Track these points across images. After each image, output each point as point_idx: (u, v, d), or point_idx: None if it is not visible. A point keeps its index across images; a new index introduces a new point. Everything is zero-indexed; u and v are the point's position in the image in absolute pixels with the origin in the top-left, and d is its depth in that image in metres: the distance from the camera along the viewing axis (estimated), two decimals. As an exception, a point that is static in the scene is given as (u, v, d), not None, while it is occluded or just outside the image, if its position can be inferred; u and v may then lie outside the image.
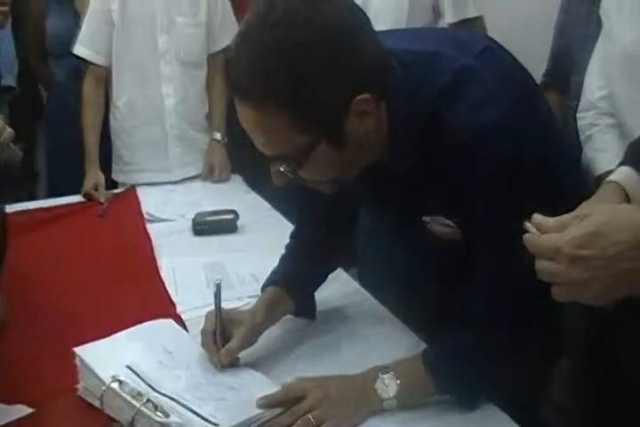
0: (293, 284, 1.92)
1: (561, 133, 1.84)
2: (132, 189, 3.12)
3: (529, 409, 1.84)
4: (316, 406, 1.59)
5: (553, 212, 1.38)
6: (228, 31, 3.27)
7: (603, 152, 2.14)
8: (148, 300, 2.11)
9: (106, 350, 1.71)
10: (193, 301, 2.10)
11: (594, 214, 1.13)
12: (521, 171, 1.51)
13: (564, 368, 2.05)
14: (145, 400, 1.54)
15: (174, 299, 2.14)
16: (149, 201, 2.98)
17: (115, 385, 1.57)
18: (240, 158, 3.28)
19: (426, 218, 1.68)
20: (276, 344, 1.90)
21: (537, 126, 1.56)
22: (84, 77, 3.25)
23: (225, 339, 1.75)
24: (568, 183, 1.69)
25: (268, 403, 1.60)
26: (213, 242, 2.60)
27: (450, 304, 1.81)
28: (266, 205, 2.95)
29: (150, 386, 1.60)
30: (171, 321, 1.88)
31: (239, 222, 2.71)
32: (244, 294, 2.15)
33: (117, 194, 3.08)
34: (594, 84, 2.26)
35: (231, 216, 2.72)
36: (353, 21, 1.45)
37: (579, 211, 1.18)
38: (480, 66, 1.52)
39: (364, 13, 1.49)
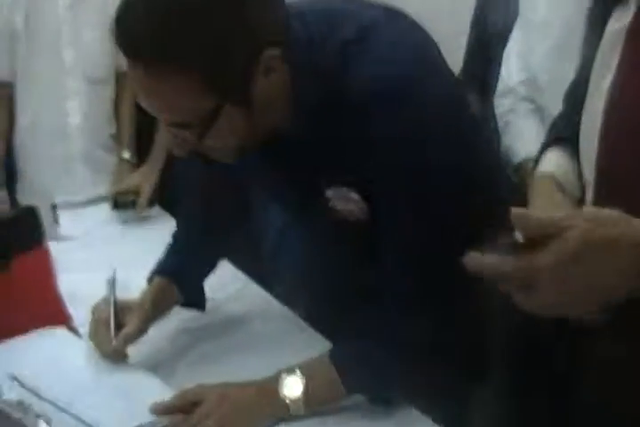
0: (179, 273, 1.87)
1: (477, 120, 1.76)
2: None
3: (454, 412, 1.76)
4: (212, 413, 1.52)
5: (464, 189, 1.43)
6: None
7: (521, 139, 2.08)
8: (41, 311, 1.99)
9: None
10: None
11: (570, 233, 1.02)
12: (432, 133, 1.46)
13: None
14: (25, 411, 1.46)
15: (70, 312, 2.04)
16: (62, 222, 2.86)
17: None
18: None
19: (329, 192, 1.59)
20: (171, 347, 1.87)
21: (449, 93, 1.53)
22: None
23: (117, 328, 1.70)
24: (485, 167, 1.66)
25: (161, 409, 1.53)
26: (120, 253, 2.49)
27: (356, 297, 1.72)
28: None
29: (35, 393, 1.50)
30: (61, 329, 1.77)
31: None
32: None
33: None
34: (512, 69, 2.26)
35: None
36: None
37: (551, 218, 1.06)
38: (385, 22, 1.49)
39: None
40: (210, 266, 1.98)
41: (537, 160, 1.53)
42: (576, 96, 1.47)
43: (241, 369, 1.69)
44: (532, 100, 2.22)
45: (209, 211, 1.94)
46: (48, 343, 1.72)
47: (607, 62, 1.33)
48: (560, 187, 1.42)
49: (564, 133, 1.49)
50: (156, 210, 3.00)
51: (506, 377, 2.00)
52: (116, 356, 1.69)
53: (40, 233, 1.87)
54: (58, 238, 2.67)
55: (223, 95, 1.38)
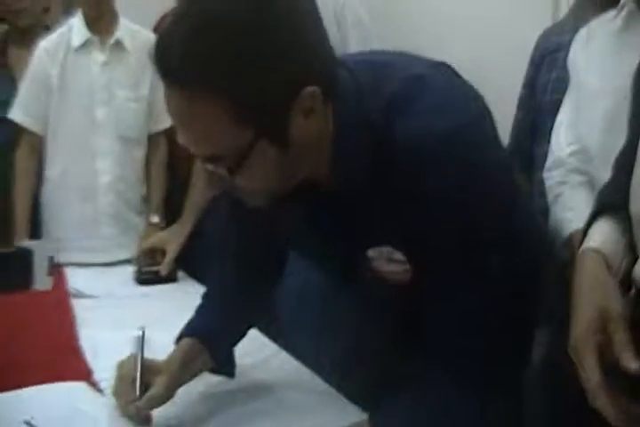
0: (210, 336, 1.77)
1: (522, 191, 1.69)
2: (58, 267, 2.91)
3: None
4: None
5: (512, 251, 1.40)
6: None
7: (573, 210, 2.00)
8: (62, 366, 1.93)
9: (5, 403, 1.56)
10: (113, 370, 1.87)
11: None
12: (483, 190, 1.38)
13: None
14: None
15: (92, 367, 1.96)
16: (76, 279, 2.81)
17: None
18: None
19: (371, 252, 1.51)
20: (195, 411, 1.74)
21: (499, 148, 1.47)
22: (18, 145, 3.09)
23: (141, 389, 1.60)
24: (525, 233, 1.59)
25: None
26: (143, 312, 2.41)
27: (397, 366, 1.61)
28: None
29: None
30: (83, 384, 1.67)
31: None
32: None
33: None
34: (562, 141, 2.18)
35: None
36: (304, 9, 1.34)
37: None
38: (434, 75, 1.43)
39: (317, 10, 1.37)
40: (242, 331, 1.88)
41: (585, 231, 1.46)
42: (625, 162, 1.44)
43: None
44: (582, 172, 2.12)
45: (244, 273, 1.84)
46: (67, 395, 1.62)
47: None
48: (606, 262, 1.36)
49: (612, 200, 1.45)
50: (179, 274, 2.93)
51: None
52: (138, 418, 1.58)
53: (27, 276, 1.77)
54: (77, 296, 2.62)
55: (259, 129, 1.31)
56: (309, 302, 2.57)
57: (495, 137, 1.47)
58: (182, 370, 1.70)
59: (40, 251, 2.71)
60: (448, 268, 1.42)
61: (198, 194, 3.04)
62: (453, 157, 1.35)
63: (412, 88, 1.39)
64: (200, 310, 1.85)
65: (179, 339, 1.77)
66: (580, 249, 1.42)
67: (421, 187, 1.36)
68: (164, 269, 2.88)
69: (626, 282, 1.38)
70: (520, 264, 1.50)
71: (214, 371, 1.82)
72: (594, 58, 2.07)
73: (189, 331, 1.78)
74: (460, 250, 1.40)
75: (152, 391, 1.61)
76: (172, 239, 2.98)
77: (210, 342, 1.76)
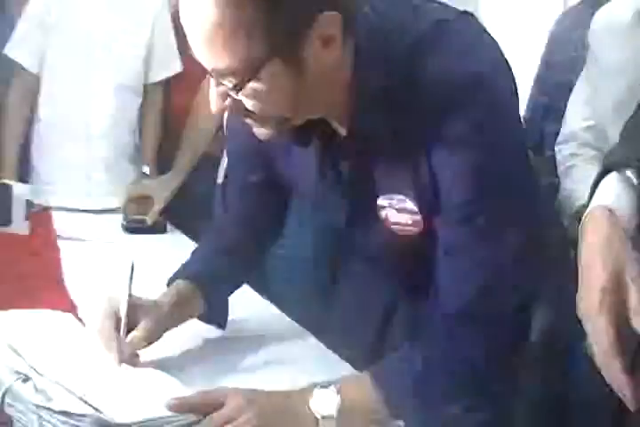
0: (206, 280, 1.70)
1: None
2: (47, 210, 2.86)
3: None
4: (238, 416, 1.32)
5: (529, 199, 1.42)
6: (167, 63, 3.12)
7: (584, 183, 1.95)
8: (47, 298, 1.87)
9: None
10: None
11: None
12: (504, 137, 1.36)
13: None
14: (21, 379, 1.28)
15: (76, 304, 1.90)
16: (64, 222, 2.74)
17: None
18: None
19: (381, 201, 1.45)
20: (183, 352, 1.69)
21: (516, 103, 1.42)
22: (12, 83, 3.03)
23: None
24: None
25: (179, 405, 1.32)
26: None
27: (405, 315, 1.55)
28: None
29: (34, 369, 1.31)
30: (69, 315, 1.62)
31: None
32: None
33: (31, 213, 2.74)
34: (578, 115, 2.18)
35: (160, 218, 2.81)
36: None
37: None
38: (462, 21, 1.39)
39: None
40: (238, 279, 1.83)
41: (593, 188, 1.39)
42: (636, 126, 1.40)
43: (259, 382, 1.49)
44: (596, 148, 2.11)
45: (244, 219, 1.79)
46: (53, 323, 1.55)
47: None
48: (618, 219, 1.30)
49: (622, 157, 1.38)
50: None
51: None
52: (121, 356, 1.50)
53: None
54: (64, 238, 2.55)
55: (273, 46, 1.26)
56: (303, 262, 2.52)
57: (516, 89, 1.42)
58: (172, 313, 1.62)
59: (20, 193, 2.64)
60: (465, 218, 1.37)
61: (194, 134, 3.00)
62: (479, 100, 1.31)
63: (439, 30, 1.35)
64: (196, 253, 1.79)
65: (171, 281, 1.70)
66: (590, 206, 1.35)
67: (443, 128, 1.32)
68: (150, 218, 2.81)
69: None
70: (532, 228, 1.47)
71: (205, 319, 1.75)
72: (614, 35, 2.07)
73: (184, 273, 1.71)
74: (479, 198, 1.35)
75: (137, 332, 1.54)
76: (162, 188, 2.91)
77: (205, 285, 1.69)
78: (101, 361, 1.46)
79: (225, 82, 1.30)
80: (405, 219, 1.44)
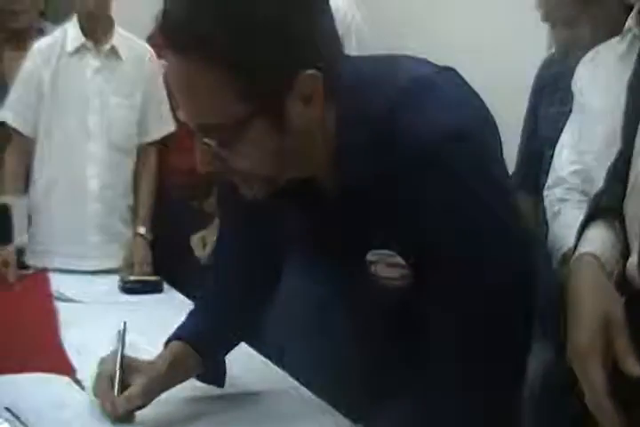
0: (202, 340, 1.70)
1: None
2: (43, 272, 2.91)
3: None
4: None
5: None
6: (161, 123, 3.18)
7: (572, 228, 1.96)
8: (45, 362, 1.88)
9: None
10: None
11: None
12: (490, 198, 1.34)
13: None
14: None
15: (75, 366, 1.91)
16: (61, 283, 2.77)
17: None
18: (162, 257, 3.10)
19: (371, 256, 1.44)
20: (179, 413, 1.68)
21: (502, 159, 1.42)
22: (8, 147, 3.07)
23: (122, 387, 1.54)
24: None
25: None
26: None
27: (397, 371, 1.56)
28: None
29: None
30: (66, 378, 1.62)
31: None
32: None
33: (26, 274, 2.87)
34: (564, 160, 2.20)
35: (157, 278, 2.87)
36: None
37: None
38: (442, 77, 1.38)
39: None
40: (235, 339, 1.84)
41: (579, 235, 1.45)
42: (617, 170, 1.44)
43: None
44: (583, 192, 2.12)
45: (239, 280, 1.79)
46: (51, 386, 1.57)
47: None
48: (603, 266, 1.34)
49: (606, 203, 1.43)
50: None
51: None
52: (115, 415, 1.52)
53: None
54: (61, 299, 2.59)
55: (256, 104, 1.27)
56: (296, 315, 2.53)
57: (499, 148, 1.42)
58: (167, 373, 1.64)
59: (18, 207, 2.67)
60: (451, 272, 1.37)
61: None
62: (463, 156, 1.30)
63: (418, 87, 1.35)
64: (192, 315, 1.79)
65: (167, 342, 1.71)
66: (576, 253, 1.40)
67: (424, 186, 1.31)
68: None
69: (621, 286, 1.35)
70: (519, 272, 1.44)
71: (203, 379, 1.76)
72: (598, 81, 2.11)
73: (180, 334, 1.72)
74: (465, 253, 1.35)
75: (130, 391, 1.55)
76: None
77: (201, 346, 1.70)
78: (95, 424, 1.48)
79: (209, 139, 1.31)
80: (393, 273, 1.44)
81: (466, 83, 1.40)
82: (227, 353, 1.79)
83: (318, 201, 1.45)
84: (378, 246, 1.43)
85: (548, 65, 2.67)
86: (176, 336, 1.71)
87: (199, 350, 1.69)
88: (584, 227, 1.44)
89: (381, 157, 1.33)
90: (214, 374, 1.76)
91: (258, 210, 1.57)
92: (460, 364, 1.39)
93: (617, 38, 2.13)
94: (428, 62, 1.43)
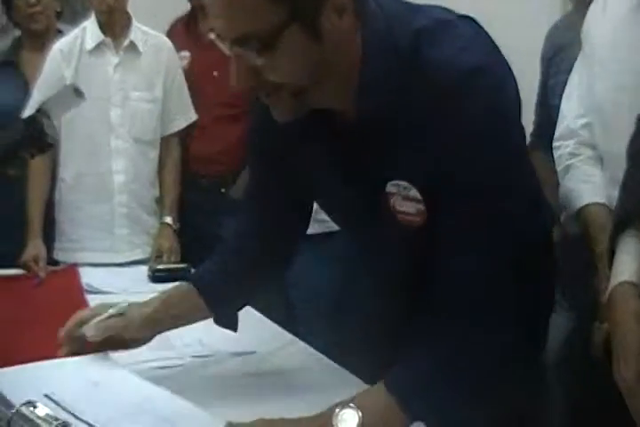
0: (209, 285, 1.78)
1: None
2: (73, 266, 2.96)
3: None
4: None
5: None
6: (183, 113, 3.27)
7: (586, 183, 2.00)
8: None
9: (24, 376, 1.54)
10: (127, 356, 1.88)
11: None
12: (509, 127, 1.44)
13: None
14: (59, 424, 1.33)
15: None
16: (91, 277, 2.82)
17: (25, 409, 1.37)
18: (190, 245, 3.17)
19: (390, 187, 1.50)
20: (206, 391, 1.73)
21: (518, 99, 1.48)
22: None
23: None
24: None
25: None
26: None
27: (411, 312, 1.62)
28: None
29: (72, 413, 1.40)
30: (103, 354, 1.70)
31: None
32: (185, 355, 1.99)
33: (57, 270, 2.93)
34: (574, 111, 2.13)
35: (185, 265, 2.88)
36: None
37: None
38: (462, 22, 1.45)
39: None
40: (251, 290, 1.88)
41: (611, 245, 1.50)
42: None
43: (286, 412, 1.56)
44: (593, 147, 2.08)
45: (263, 228, 1.83)
46: (86, 369, 1.62)
47: None
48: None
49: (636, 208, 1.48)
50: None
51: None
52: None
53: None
54: (92, 291, 2.64)
55: (292, 10, 1.31)
56: (322, 295, 2.59)
57: (515, 84, 1.48)
58: (158, 309, 1.75)
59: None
60: (466, 205, 1.43)
61: None
62: (480, 89, 1.37)
63: (441, 25, 1.42)
64: (210, 259, 1.86)
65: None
66: (614, 282, 1.44)
67: (442, 117, 1.38)
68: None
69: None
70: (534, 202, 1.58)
71: (217, 322, 1.83)
72: (608, 32, 2.03)
73: (191, 277, 1.83)
74: (480, 186, 1.42)
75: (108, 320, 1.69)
76: None
77: (207, 289, 1.77)
78: (134, 397, 1.54)
79: (244, 50, 1.34)
80: (410, 207, 1.49)
81: (484, 29, 1.46)
82: (240, 303, 1.85)
83: (340, 133, 1.50)
84: (396, 177, 1.49)
85: (553, 34, 2.64)
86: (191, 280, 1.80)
87: (205, 293, 1.76)
88: (615, 235, 1.50)
89: (404, 86, 1.40)
90: (227, 318, 1.82)
91: (285, 151, 1.64)
92: (481, 304, 1.45)
93: None
94: (450, 10, 1.49)
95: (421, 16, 1.44)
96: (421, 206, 1.48)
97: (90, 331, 1.69)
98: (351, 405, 1.41)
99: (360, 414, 1.39)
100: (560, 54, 2.53)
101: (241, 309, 1.85)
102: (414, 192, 1.47)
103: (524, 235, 1.46)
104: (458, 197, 1.42)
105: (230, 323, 1.84)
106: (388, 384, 1.46)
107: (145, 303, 1.76)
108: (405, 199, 1.49)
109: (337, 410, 1.40)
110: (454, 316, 1.45)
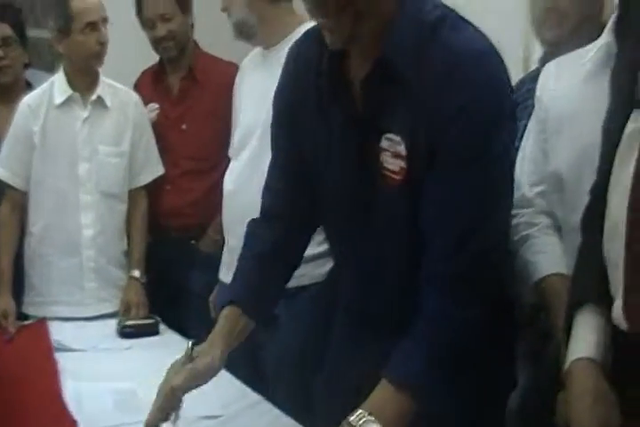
0: (251, 303, 1.88)
1: None
2: (42, 321, 2.98)
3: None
4: None
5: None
6: (150, 167, 3.30)
7: (543, 253, 2.02)
8: (48, 417, 2.00)
9: None
10: (98, 421, 1.94)
11: None
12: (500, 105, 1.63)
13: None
14: None
15: (77, 418, 2.00)
16: (60, 332, 2.84)
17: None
18: (159, 298, 3.20)
19: (385, 142, 1.66)
20: None
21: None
22: (1, 200, 3.15)
23: None
24: None
25: None
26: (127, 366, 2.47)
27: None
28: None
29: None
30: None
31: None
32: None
33: (26, 325, 2.95)
34: (527, 179, 2.15)
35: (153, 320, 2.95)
36: None
37: None
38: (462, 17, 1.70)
39: None
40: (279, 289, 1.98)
41: (569, 320, 1.55)
42: (592, 221, 1.56)
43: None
44: (550, 215, 2.11)
45: (277, 237, 1.92)
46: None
47: (628, 157, 1.39)
48: (598, 368, 1.45)
49: (592, 288, 1.53)
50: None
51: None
52: None
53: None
54: (61, 349, 2.66)
55: None
56: (290, 354, 2.63)
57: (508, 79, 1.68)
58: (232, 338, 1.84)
59: None
60: (452, 175, 1.60)
61: None
62: (486, 69, 1.60)
63: (452, 16, 1.67)
64: (240, 274, 1.95)
65: (222, 307, 1.90)
66: (572, 357, 1.49)
67: (452, 83, 1.57)
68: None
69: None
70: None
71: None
72: (561, 101, 2.08)
73: (232, 298, 1.89)
74: (472, 152, 1.59)
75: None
76: None
77: (250, 307, 1.87)
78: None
79: None
80: (395, 166, 1.64)
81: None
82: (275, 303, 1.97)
83: (350, 89, 1.72)
84: (390, 130, 1.65)
85: (520, 85, 2.69)
86: (228, 301, 1.88)
87: (249, 311, 1.87)
88: (572, 311, 1.55)
89: (424, 50, 1.61)
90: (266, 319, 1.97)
91: (302, 112, 1.82)
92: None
93: (582, 51, 2.06)
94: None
95: (436, 6, 1.68)
96: (404, 164, 1.63)
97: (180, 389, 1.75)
98: (364, 413, 1.53)
99: (373, 418, 1.53)
100: (525, 102, 2.54)
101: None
102: (402, 148, 1.63)
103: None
104: (445, 168, 1.60)
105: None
106: (392, 379, 1.58)
107: (211, 344, 1.82)
108: (393, 156, 1.64)
109: (356, 423, 1.53)
110: (441, 283, 1.62)
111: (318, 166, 1.82)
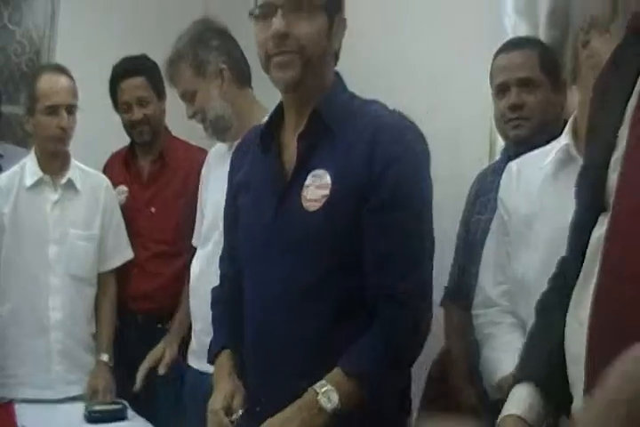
0: (236, 344, 2.06)
1: None
2: (9, 404, 2.96)
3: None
4: None
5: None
6: (119, 252, 3.33)
7: (505, 352, 2.05)
8: None
9: None
10: None
11: None
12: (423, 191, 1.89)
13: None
14: None
15: None
16: (26, 416, 2.83)
17: None
18: (126, 381, 3.18)
19: (310, 177, 1.86)
20: None
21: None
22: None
23: None
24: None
25: None
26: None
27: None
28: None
29: None
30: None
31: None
32: None
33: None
34: (491, 279, 2.21)
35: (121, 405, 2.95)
36: None
37: None
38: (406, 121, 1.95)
39: None
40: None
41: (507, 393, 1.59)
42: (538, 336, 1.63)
43: None
44: (513, 314, 2.16)
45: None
46: None
47: (591, 269, 1.41)
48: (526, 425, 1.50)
49: (533, 368, 1.59)
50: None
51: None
52: None
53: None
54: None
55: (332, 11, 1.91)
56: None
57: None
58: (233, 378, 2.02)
59: None
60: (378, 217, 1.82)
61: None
62: (415, 144, 1.88)
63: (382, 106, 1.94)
64: (220, 322, 2.18)
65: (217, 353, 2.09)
66: (504, 413, 1.53)
67: (381, 145, 1.83)
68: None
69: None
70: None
71: None
72: (523, 203, 2.14)
73: (223, 344, 2.10)
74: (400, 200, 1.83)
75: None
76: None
77: (237, 348, 2.06)
78: None
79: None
80: (318, 195, 1.83)
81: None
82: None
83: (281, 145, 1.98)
84: (315, 167, 1.88)
85: (482, 177, 2.70)
86: (222, 346, 2.10)
87: (237, 350, 2.06)
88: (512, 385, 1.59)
89: (355, 118, 1.90)
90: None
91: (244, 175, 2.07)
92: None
93: (543, 151, 2.14)
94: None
95: (372, 107, 1.95)
96: (326, 192, 1.83)
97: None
98: (327, 384, 1.77)
99: (336, 390, 1.77)
100: (487, 195, 2.59)
101: None
102: (327, 179, 1.84)
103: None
104: (373, 211, 1.82)
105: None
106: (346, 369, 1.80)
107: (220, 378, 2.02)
108: (318, 187, 1.84)
109: (319, 390, 1.77)
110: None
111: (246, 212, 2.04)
